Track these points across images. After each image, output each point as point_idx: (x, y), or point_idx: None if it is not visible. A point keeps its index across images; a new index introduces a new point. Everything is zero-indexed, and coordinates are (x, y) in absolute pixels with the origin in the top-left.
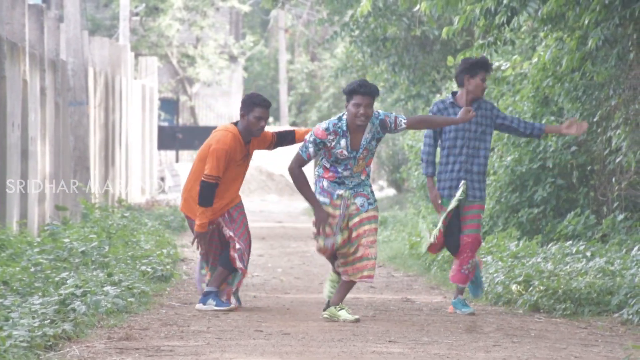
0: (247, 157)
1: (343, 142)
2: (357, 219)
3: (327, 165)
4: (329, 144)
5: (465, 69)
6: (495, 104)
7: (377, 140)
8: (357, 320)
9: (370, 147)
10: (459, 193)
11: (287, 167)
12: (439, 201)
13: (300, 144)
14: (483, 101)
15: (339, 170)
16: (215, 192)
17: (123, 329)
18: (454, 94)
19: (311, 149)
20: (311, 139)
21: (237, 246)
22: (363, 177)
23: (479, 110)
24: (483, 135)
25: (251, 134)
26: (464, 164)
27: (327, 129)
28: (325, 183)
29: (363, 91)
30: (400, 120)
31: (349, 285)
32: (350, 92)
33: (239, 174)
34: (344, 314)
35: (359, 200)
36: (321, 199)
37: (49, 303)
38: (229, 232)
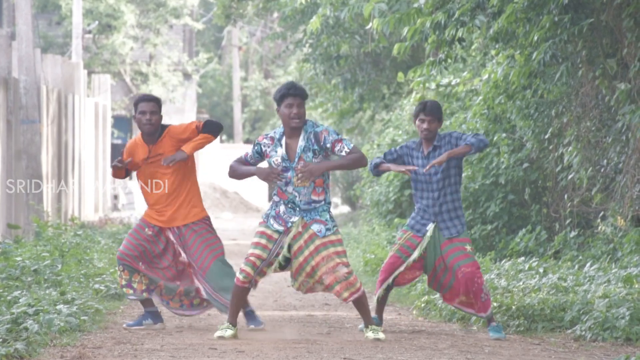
0: (149, 158)
1: (279, 149)
2: (312, 247)
3: (279, 183)
4: (265, 150)
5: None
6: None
7: (313, 153)
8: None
9: (305, 157)
10: (425, 241)
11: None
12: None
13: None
14: (443, 137)
15: (282, 187)
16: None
17: (76, 348)
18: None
19: (250, 152)
20: (255, 142)
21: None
22: (316, 198)
23: (435, 152)
24: (445, 175)
25: (142, 130)
26: (431, 207)
27: (266, 135)
28: (282, 208)
29: (292, 93)
30: (342, 147)
31: (356, 303)
32: (280, 97)
33: (155, 175)
34: (370, 334)
35: (315, 227)
36: (275, 225)
37: (0, 322)
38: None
